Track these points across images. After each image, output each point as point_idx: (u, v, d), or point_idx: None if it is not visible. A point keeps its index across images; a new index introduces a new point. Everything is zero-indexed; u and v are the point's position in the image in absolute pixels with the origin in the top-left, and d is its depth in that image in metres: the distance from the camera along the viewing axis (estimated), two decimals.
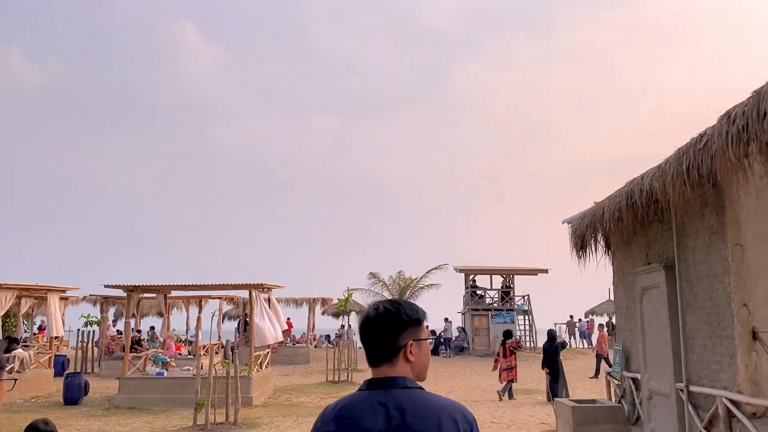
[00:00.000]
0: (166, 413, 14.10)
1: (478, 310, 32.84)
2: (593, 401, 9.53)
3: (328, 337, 42.12)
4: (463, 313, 35.48)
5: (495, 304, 33.12)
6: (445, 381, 21.22)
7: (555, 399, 10.46)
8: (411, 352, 1.97)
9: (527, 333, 34.12)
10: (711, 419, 6.43)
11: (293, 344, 32.77)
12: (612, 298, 38.35)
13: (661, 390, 7.59)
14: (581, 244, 9.69)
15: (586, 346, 39.49)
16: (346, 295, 20.92)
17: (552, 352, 15.53)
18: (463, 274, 34.69)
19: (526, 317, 34.09)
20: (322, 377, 21.54)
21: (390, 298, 32.93)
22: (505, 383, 16.06)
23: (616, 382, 9.64)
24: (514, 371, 16.04)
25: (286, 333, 34.91)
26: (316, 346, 35.80)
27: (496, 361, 16.54)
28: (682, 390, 7.02)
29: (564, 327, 39.04)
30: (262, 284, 15.88)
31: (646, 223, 7.95)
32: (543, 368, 15.69)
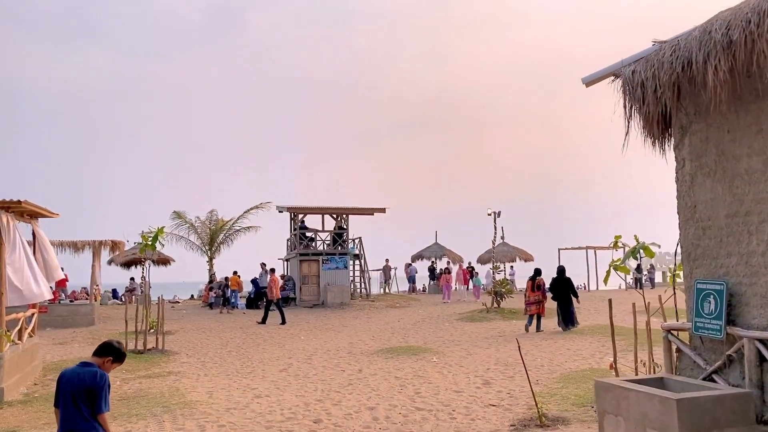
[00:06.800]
0: None
1: (307, 255, 28.24)
2: (659, 380, 5.48)
3: (114, 292, 35.00)
4: (288, 260, 30.65)
5: (327, 249, 28.76)
6: (291, 341, 16.43)
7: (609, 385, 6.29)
8: None
9: (359, 279, 30.34)
10: None
11: (70, 301, 25.45)
12: (438, 241, 36.15)
13: None
14: (647, 109, 5.48)
15: (416, 290, 37.27)
16: (155, 232, 14.94)
17: (560, 285, 16.80)
18: (288, 215, 29.73)
19: (356, 261, 30.24)
20: None
21: (201, 241, 26.13)
22: (529, 316, 17.13)
23: (690, 344, 5.68)
24: (541, 305, 16.93)
25: (61, 286, 27.34)
26: (101, 304, 28.66)
27: (525, 291, 17.99)
28: None
29: (380, 273, 36.29)
30: (20, 202, 9.57)
31: None
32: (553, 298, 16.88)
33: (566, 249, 38.10)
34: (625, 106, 5.67)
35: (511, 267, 37.46)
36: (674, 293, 6.59)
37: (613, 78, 5.88)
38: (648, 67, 5.39)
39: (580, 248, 38.91)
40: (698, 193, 5.66)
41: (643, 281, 35.06)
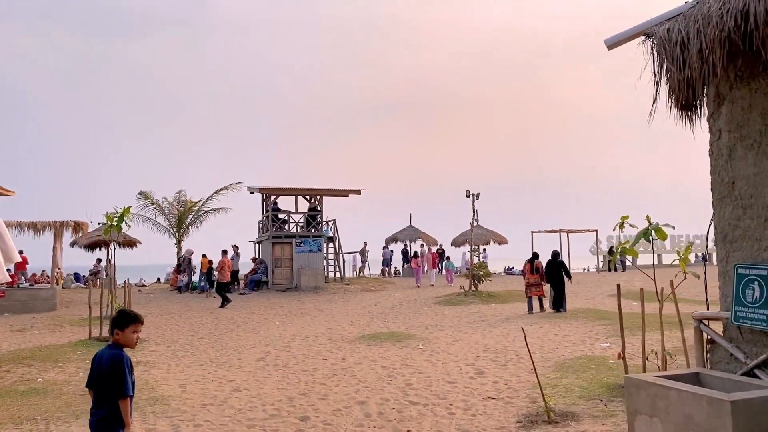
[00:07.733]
0: None
1: (280, 237, 27.40)
2: (694, 375, 4.94)
3: (77, 275, 33.73)
4: (260, 242, 29.75)
5: (300, 231, 27.94)
6: (266, 326, 15.68)
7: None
8: None
9: (333, 261, 29.62)
10: None
11: (30, 285, 24.23)
12: (413, 224, 35.63)
13: None
14: (688, 72, 4.86)
15: (390, 272, 36.80)
16: (121, 212, 13.98)
17: (554, 268, 17.19)
18: (260, 196, 28.80)
19: (330, 244, 29.49)
20: (81, 332, 14.59)
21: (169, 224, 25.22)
22: (529, 298, 17.38)
23: (724, 335, 5.13)
24: (540, 288, 17.33)
25: (20, 269, 26.08)
26: (63, 287, 27.45)
27: (523, 273, 18.46)
28: None
29: (358, 255, 35.79)
30: None
31: None
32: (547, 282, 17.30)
33: (539, 232, 37.92)
34: (654, 70, 5.03)
35: (484, 250, 37.15)
36: (703, 278, 6.03)
37: (643, 38, 5.24)
38: (690, 23, 4.76)
39: (553, 231, 38.76)
40: (738, 168, 5.08)
41: (617, 264, 35.04)
